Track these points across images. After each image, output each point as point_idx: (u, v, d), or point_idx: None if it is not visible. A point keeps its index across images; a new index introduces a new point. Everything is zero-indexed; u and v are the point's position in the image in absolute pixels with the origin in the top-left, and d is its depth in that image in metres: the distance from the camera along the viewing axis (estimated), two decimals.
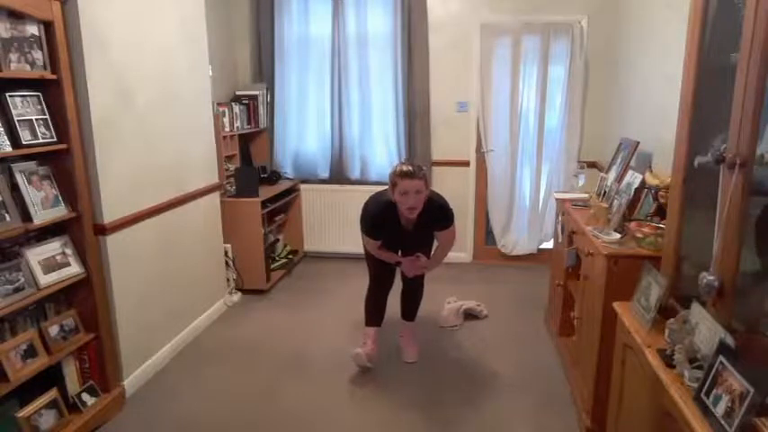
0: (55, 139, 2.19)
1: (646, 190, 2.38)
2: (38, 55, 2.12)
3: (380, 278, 2.89)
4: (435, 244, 2.88)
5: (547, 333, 3.27)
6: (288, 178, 4.50)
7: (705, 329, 1.33)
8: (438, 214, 2.65)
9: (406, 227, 2.68)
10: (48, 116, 2.18)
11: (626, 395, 1.73)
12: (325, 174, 4.54)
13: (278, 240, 4.48)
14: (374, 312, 2.92)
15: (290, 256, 4.46)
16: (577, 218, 2.64)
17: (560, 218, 3.17)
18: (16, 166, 2.09)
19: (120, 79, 2.51)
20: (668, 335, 1.48)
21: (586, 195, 3.04)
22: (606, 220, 2.47)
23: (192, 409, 2.53)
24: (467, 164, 4.38)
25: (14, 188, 2.08)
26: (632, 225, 2.20)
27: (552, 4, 4.02)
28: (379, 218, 2.65)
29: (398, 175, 2.46)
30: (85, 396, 2.36)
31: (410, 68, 4.20)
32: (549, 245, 4.26)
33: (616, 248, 2.11)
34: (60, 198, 2.24)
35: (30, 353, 2.12)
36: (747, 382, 1.09)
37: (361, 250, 2.94)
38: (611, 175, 2.88)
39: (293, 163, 4.55)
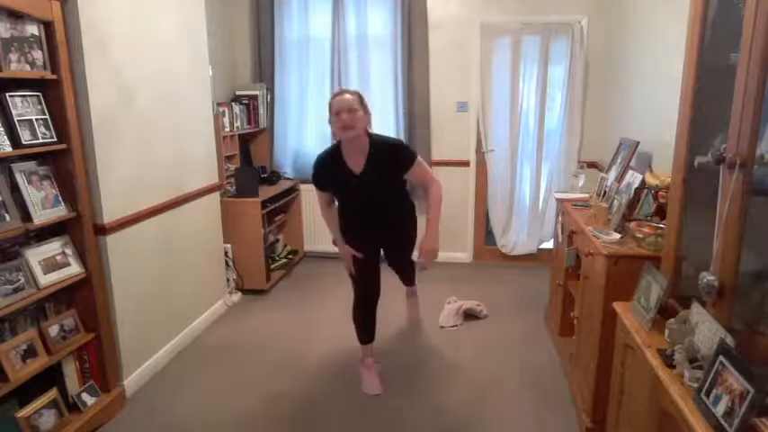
0: (55, 139, 2.19)
1: (646, 190, 2.38)
2: (38, 55, 2.12)
3: (366, 289, 2.66)
4: (410, 214, 2.73)
5: (547, 333, 3.27)
6: (288, 178, 4.50)
7: (705, 329, 1.33)
8: (389, 152, 2.39)
9: (355, 169, 2.38)
10: (48, 116, 2.18)
11: (626, 395, 1.73)
12: None
13: (278, 240, 4.48)
14: (365, 328, 2.73)
15: (290, 256, 4.46)
16: (577, 218, 2.64)
17: (560, 218, 3.17)
18: (16, 166, 2.09)
19: (120, 79, 2.51)
20: (668, 335, 1.48)
21: (586, 195, 3.04)
22: (606, 220, 2.47)
23: (191, 409, 2.53)
24: (467, 164, 4.38)
25: (14, 188, 2.08)
26: (632, 225, 2.20)
27: (552, 4, 4.02)
28: (323, 161, 2.45)
29: (331, 97, 2.35)
30: (85, 396, 2.36)
31: (410, 69, 4.20)
32: (549, 245, 4.26)
33: (616, 248, 2.11)
34: (60, 198, 2.24)
35: (30, 353, 2.12)
36: (747, 382, 1.09)
37: None
38: (611, 175, 2.88)
39: (293, 163, 4.55)
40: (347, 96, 2.31)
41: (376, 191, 2.47)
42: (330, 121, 2.35)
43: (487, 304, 3.57)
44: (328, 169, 2.46)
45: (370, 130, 2.42)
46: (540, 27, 4.03)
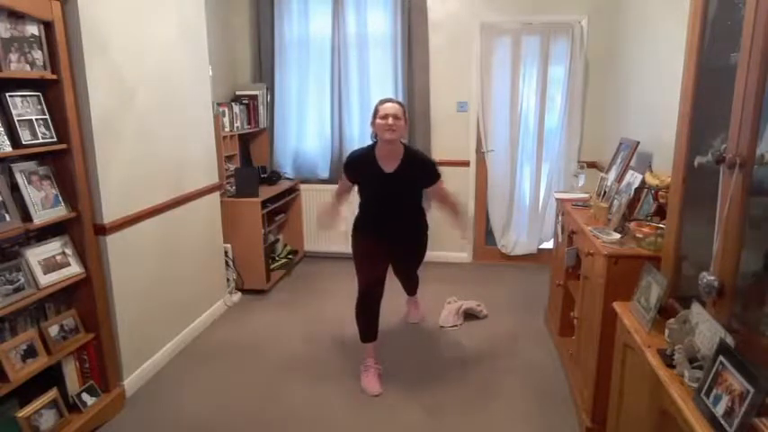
0: (55, 139, 2.19)
1: (646, 190, 2.38)
2: (38, 55, 2.11)
3: (370, 289, 2.69)
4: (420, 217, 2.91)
5: (547, 333, 3.27)
6: (288, 178, 4.50)
7: (705, 329, 1.33)
8: (420, 168, 2.68)
9: (386, 170, 2.63)
10: (48, 116, 2.17)
11: (626, 395, 1.73)
12: (325, 174, 4.54)
13: (278, 240, 4.48)
14: (368, 327, 2.73)
15: (290, 256, 4.46)
16: (577, 218, 2.64)
17: (560, 218, 3.17)
18: (16, 166, 2.09)
19: (120, 79, 2.51)
20: (668, 335, 1.48)
21: (586, 195, 3.04)
22: (606, 220, 2.47)
23: (192, 409, 2.53)
24: (467, 164, 4.38)
25: (14, 188, 2.08)
26: (632, 225, 2.20)
27: (552, 4, 4.02)
28: (359, 156, 2.73)
29: (379, 102, 2.63)
30: (85, 396, 2.36)
31: (410, 68, 4.20)
32: (549, 245, 4.26)
33: (616, 248, 2.11)
34: (60, 198, 2.24)
35: (30, 353, 2.12)
36: (747, 382, 1.09)
37: None
38: (611, 175, 2.88)
39: (293, 163, 4.55)
40: (395, 104, 2.58)
41: (400, 191, 2.70)
42: (373, 123, 2.60)
43: (487, 304, 3.57)
44: (361, 164, 2.70)
45: (405, 140, 2.72)
46: (539, 27, 4.03)
